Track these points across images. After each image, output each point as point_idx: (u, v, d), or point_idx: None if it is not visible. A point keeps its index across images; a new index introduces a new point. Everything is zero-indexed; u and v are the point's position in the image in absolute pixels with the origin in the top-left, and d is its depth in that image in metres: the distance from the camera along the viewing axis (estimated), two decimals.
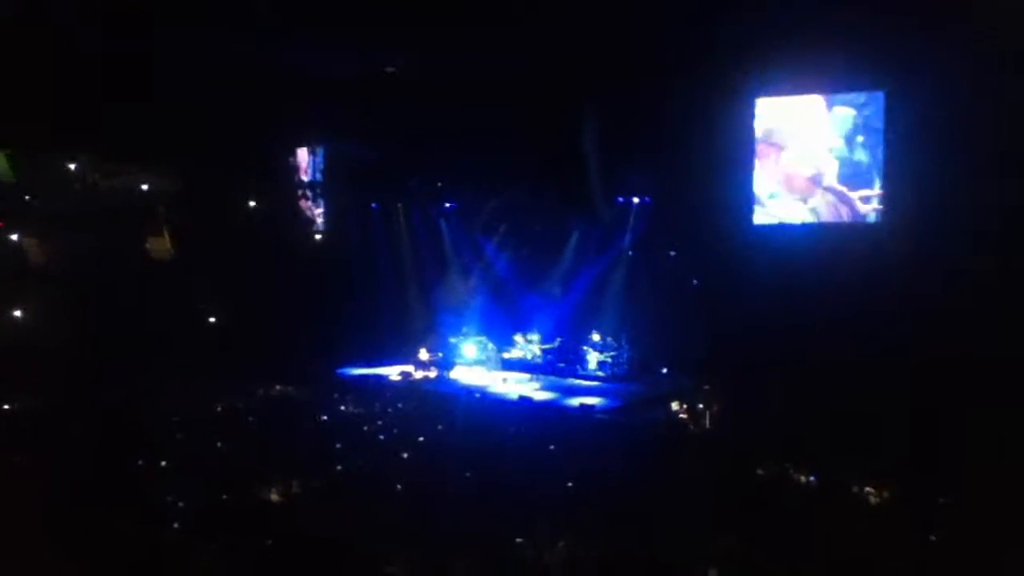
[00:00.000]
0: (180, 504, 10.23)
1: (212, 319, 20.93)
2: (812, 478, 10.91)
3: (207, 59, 17.60)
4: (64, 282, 18.38)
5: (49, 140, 18.05)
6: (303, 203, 22.85)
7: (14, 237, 18.44)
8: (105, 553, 8.63)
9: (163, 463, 12.01)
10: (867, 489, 10.33)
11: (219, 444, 13.16)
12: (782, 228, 16.80)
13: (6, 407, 15.50)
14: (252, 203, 21.59)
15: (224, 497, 10.58)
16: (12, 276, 18.20)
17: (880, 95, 15.70)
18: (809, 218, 16.58)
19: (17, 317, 18.57)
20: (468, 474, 11.34)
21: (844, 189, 16.14)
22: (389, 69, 19.28)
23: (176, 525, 9.69)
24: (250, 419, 15.28)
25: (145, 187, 19.63)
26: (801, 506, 10.20)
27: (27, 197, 18.21)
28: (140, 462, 11.99)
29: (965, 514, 9.36)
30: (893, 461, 10.99)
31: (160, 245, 19.70)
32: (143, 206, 19.60)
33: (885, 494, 10.20)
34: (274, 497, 10.83)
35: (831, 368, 14.45)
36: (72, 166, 18.82)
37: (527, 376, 19.60)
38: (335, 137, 21.89)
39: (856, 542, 8.89)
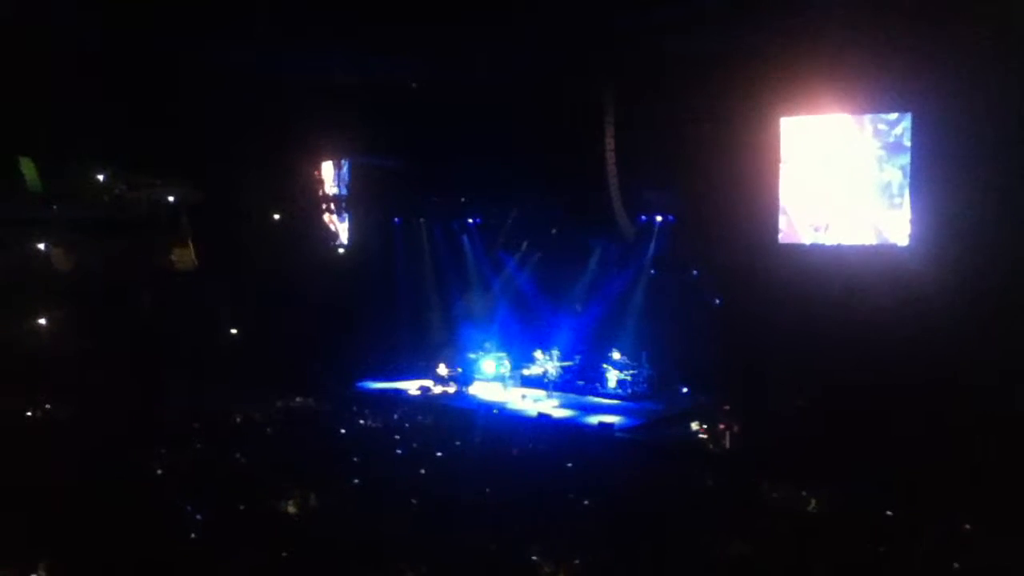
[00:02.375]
0: (197, 515, 10.25)
1: (234, 330, 21.04)
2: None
3: (234, 72, 17.83)
4: (89, 291, 18.55)
5: (77, 150, 18.28)
6: (327, 217, 22.99)
7: (41, 246, 18.63)
8: (122, 561, 8.66)
9: (181, 472, 12.06)
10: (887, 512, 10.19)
11: (237, 455, 13.20)
12: (807, 248, 16.67)
13: (29, 413, 15.64)
14: (276, 216, 21.74)
15: (241, 508, 10.59)
16: (38, 284, 18.37)
17: (907, 116, 15.59)
18: (834, 239, 16.44)
19: (42, 325, 18.74)
20: (486, 489, 11.29)
21: (871, 210, 16.00)
22: (414, 84, 19.43)
23: (193, 535, 9.71)
24: (268, 430, 15.31)
25: (171, 198, 19.82)
26: (808, 526, 10.08)
27: (54, 207, 18.40)
28: (159, 471, 12.05)
29: (987, 539, 9.19)
30: (908, 484, 10.85)
31: (185, 256, 19.86)
32: (169, 217, 19.78)
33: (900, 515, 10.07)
34: (291, 509, 10.83)
35: (853, 390, 14.30)
36: (100, 177, 19.03)
37: (546, 393, 19.52)
38: (360, 151, 22.04)
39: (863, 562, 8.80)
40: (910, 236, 15.52)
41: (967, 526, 9.55)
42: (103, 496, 10.38)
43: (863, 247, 16.06)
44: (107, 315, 18.48)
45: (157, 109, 17.81)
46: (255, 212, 21.39)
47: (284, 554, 9.26)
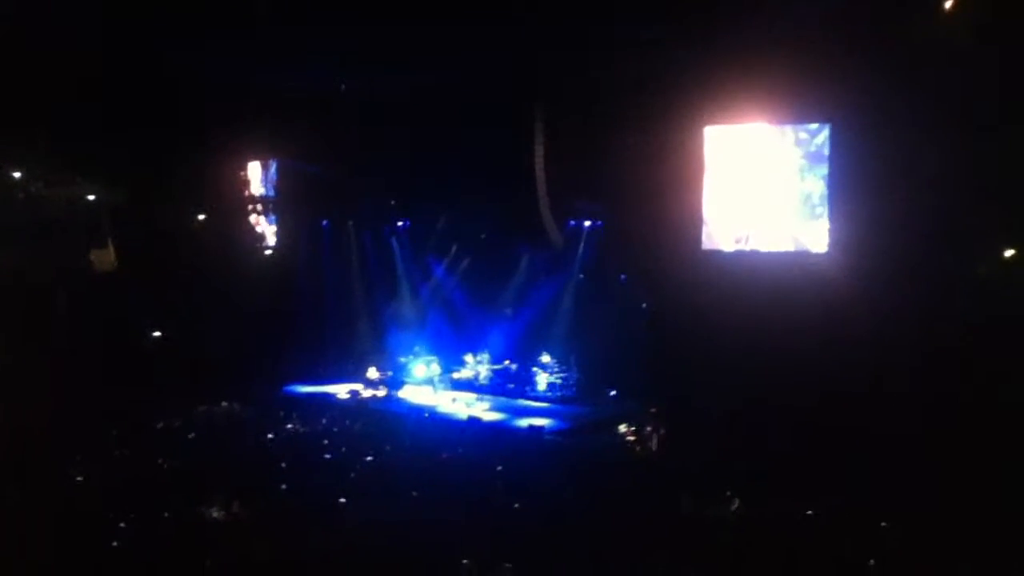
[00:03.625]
0: (119, 523, 10.01)
1: (156, 333, 20.53)
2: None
3: (159, 69, 17.42)
4: (2, 293, 17.87)
5: None
6: (253, 218, 22.60)
7: None
8: (42, 571, 8.42)
9: (101, 480, 11.75)
10: (808, 513, 10.50)
11: (160, 461, 12.92)
12: (730, 255, 17.06)
13: None
14: (201, 216, 21.29)
15: (165, 515, 10.38)
16: None
17: (827, 127, 16.08)
18: (756, 246, 16.87)
19: None
20: (415, 493, 11.29)
21: (792, 221, 16.45)
22: (343, 87, 19.28)
23: (115, 543, 9.48)
24: (191, 436, 15.02)
25: (91, 197, 19.23)
26: (732, 532, 10.32)
27: None
28: (79, 479, 11.72)
29: (906, 538, 9.54)
30: (832, 486, 11.19)
31: (104, 257, 19.28)
32: (88, 217, 19.19)
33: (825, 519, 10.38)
34: (217, 516, 10.66)
35: (776, 393, 14.70)
36: (16, 174, 18.37)
37: (476, 396, 19.56)
38: (288, 152, 21.73)
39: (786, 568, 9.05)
40: (828, 244, 16.02)
41: (883, 524, 9.90)
42: (20, 504, 10.06)
43: (783, 253, 16.51)
44: (21, 318, 17.82)
45: (76, 104, 17.27)
46: (179, 212, 20.87)
47: (208, 562, 9.11)
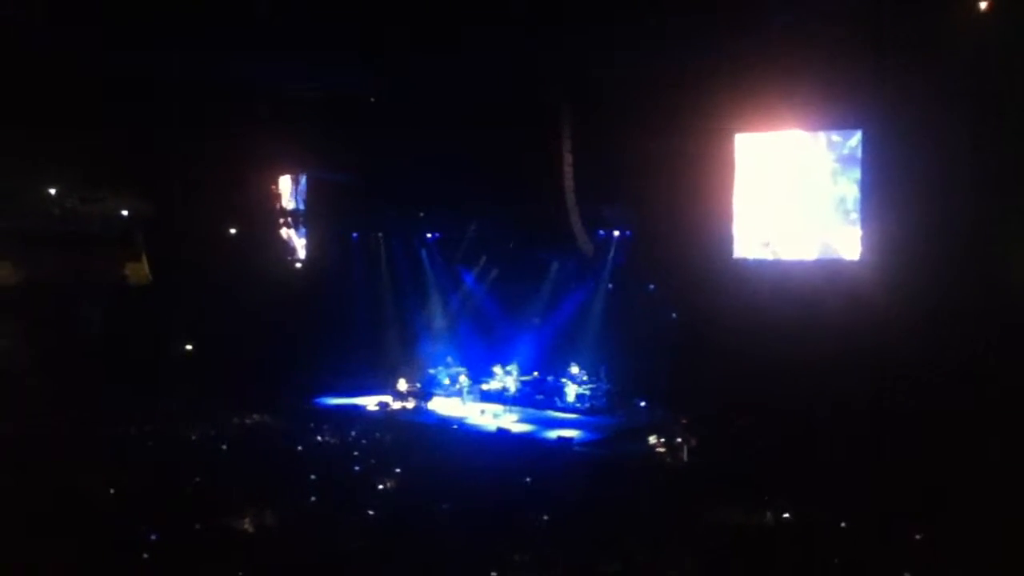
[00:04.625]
0: (151, 535, 10.06)
1: (189, 346, 20.74)
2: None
3: (190, 84, 17.65)
4: (38, 306, 18.16)
5: (28, 163, 17.92)
6: (284, 231, 22.80)
7: None
8: None
9: (134, 491, 11.83)
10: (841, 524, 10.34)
11: (192, 473, 12.99)
12: (761, 263, 16.91)
13: None
14: (232, 230, 21.51)
15: (196, 527, 10.43)
16: None
17: (858, 133, 15.91)
18: (788, 254, 16.70)
19: None
20: (444, 505, 11.25)
21: (825, 226, 16.27)
22: (372, 99, 19.41)
23: (146, 556, 9.53)
24: (224, 447, 15.10)
25: (124, 212, 19.52)
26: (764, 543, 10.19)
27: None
28: (111, 490, 11.81)
29: (936, 550, 9.36)
30: (865, 497, 11.02)
31: (138, 271, 19.55)
32: (122, 231, 19.46)
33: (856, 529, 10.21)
34: (247, 527, 10.69)
35: (808, 403, 14.52)
36: (52, 190, 18.69)
37: (505, 408, 19.51)
38: (318, 165, 21.92)
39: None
40: (861, 251, 15.82)
41: (917, 537, 9.72)
42: (52, 516, 10.16)
43: (815, 261, 16.34)
44: (57, 331, 18.09)
45: (111, 121, 17.55)
46: (211, 226, 21.12)
47: (240, 574, 9.13)
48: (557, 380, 19.85)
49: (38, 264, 18.39)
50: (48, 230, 18.53)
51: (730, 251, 17.19)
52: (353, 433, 16.55)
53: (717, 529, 10.56)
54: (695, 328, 17.66)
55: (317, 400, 20.36)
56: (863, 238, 15.75)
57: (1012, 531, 9.14)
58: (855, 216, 15.93)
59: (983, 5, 13.03)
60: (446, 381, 20.75)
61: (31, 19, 14.11)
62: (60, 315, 18.43)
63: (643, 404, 18.92)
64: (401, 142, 19.50)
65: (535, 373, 20.42)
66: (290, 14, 13.79)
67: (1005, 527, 9.32)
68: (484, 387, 20.28)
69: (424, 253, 22.59)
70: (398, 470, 13.37)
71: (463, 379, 20.36)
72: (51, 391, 16.37)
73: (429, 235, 22.46)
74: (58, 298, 18.48)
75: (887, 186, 15.33)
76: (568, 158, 17.98)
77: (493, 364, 20.54)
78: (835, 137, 16.15)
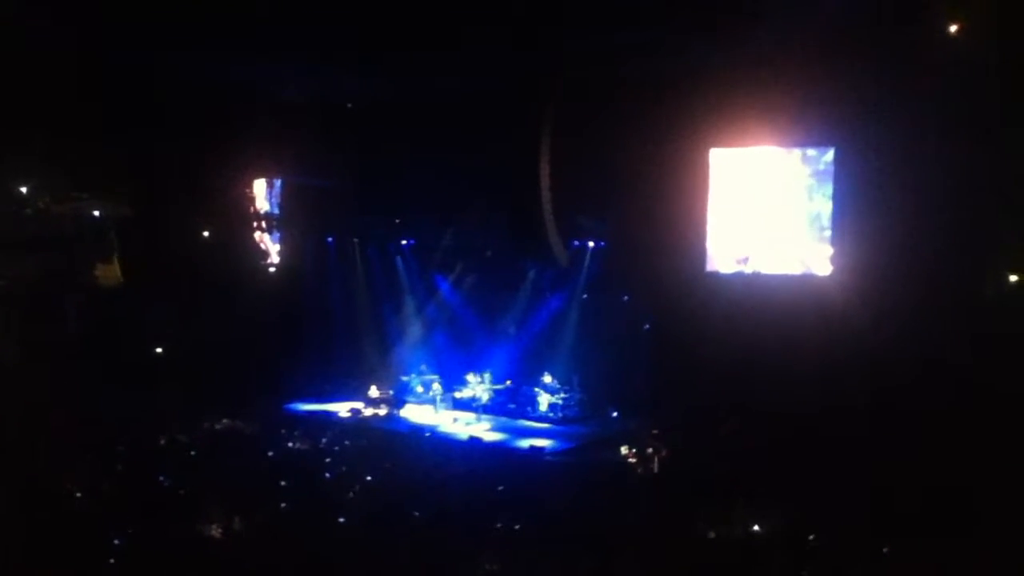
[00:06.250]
0: (118, 539, 9.97)
1: (159, 349, 20.54)
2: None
3: (165, 86, 17.54)
4: (8, 307, 17.93)
5: None
6: (258, 235, 22.67)
7: None
8: None
9: (102, 495, 11.72)
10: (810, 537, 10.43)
11: (161, 477, 12.88)
12: (733, 276, 17.08)
13: None
14: (205, 233, 21.35)
15: (164, 532, 10.34)
16: None
17: (831, 150, 16.12)
18: (759, 267, 16.87)
19: None
20: (416, 513, 11.24)
21: (799, 242, 16.46)
22: (349, 105, 19.40)
23: (112, 560, 9.44)
24: (193, 452, 14.98)
25: (96, 213, 19.32)
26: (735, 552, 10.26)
27: None
28: (78, 494, 11.68)
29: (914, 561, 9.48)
30: (836, 507, 11.13)
31: (109, 272, 19.35)
32: (94, 232, 19.27)
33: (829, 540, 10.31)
34: (216, 533, 10.61)
35: (779, 414, 14.65)
36: (23, 189, 18.46)
37: (477, 416, 19.51)
38: (293, 170, 21.83)
39: None
40: (832, 266, 16.02)
41: (884, 550, 9.83)
42: (17, 519, 10.03)
43: (787, 276, 16.53)
44: (26, 333, 17.86)
45: (83, 120, 17.37)
46: (184, 228, 20.94)
47: None
48: (530, 389, 19.89)
49: (7, 266, 18.15)
50: (20, 231, 18.31)
51: (703, 264, 17.34)
52: (324, 439, 16.47)
53: (689, 539, 10.63)
54: (668, 339, 17.80)
55: (289, 406, 20.24)
56: (833, 254, 15.94)
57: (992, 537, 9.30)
58: (828, 233, 16.12)
59: (953, 28, 13.30)
60: (419, 388, 20.76)
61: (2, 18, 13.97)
62: (30, 317, 18.17)
63: (615, 414, 19.01)
64: (378, 148, 19.51)
65: (508, 382, 20.45)
66: (265, 16, 13.76)
67: (982, 533, 9.47)
68: (457, 395, 20.28)
69: (399, 260, 22.57)
70: (369, 477, 13.33)
71: (436, 386, 20.36)
72: (18, 392, 16.12)
73: (405, 242, 22.45)
74: (29, 299, 18.25)
75: (858, 202, 15.54)
76: (545, 168, 18.05)
77: (467, 372, 20.55)
78: (810, 152, 16.35)
